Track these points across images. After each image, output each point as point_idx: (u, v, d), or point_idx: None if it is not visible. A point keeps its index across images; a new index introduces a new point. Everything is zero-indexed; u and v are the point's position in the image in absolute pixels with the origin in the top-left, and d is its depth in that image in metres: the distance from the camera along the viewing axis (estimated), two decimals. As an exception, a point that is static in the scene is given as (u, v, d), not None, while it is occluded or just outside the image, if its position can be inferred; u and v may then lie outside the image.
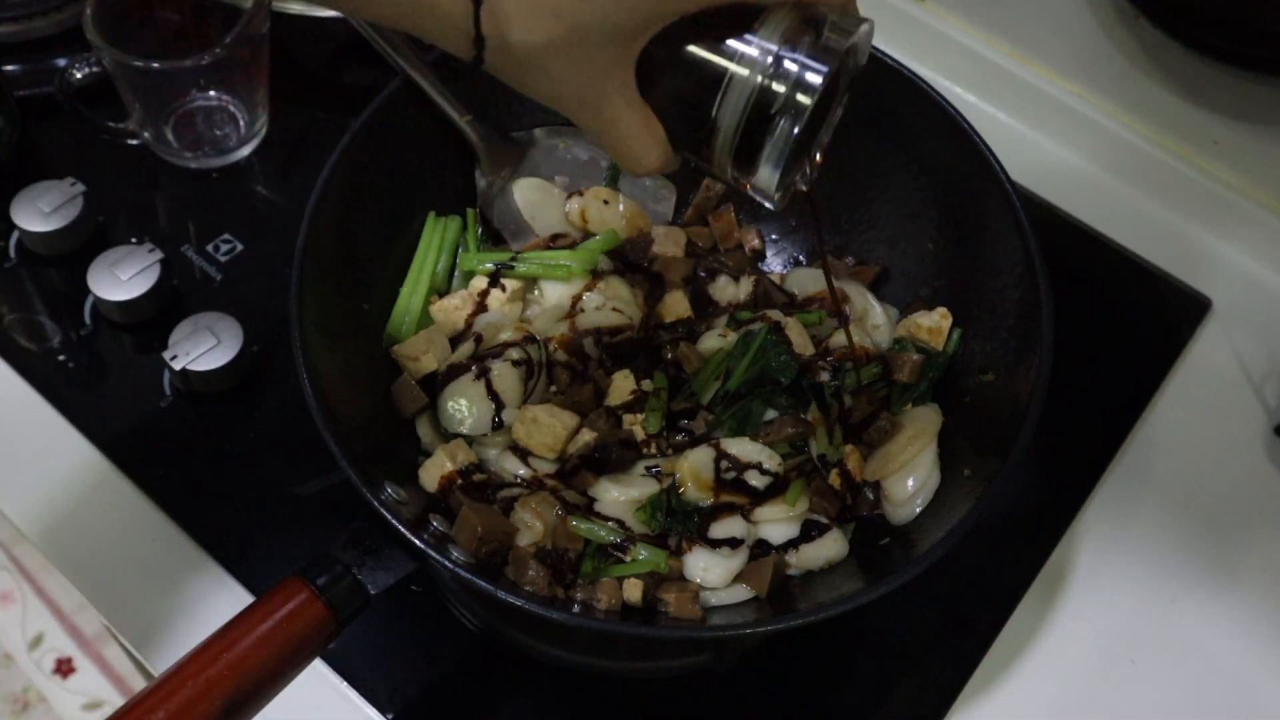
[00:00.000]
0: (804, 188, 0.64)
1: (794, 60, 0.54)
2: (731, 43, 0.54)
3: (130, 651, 0.93)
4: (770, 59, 0.54)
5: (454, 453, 0.72)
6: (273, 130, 0.96)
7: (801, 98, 0.54)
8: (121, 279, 0.83)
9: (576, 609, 0.68)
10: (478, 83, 0.56)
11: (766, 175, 0.57)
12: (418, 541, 0.60)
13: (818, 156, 0.63)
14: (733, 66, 0.54)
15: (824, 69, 0.54)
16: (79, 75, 0.90)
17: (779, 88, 0.54)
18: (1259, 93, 0.91)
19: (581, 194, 0.84)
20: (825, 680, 0.76)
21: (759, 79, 0.54)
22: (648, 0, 0.51)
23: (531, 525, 0.70)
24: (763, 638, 0.76)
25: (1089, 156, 1.03)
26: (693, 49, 0.55)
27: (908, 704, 0.76)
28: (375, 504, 0.61)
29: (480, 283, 0.80)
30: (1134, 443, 0.88)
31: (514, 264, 0.80)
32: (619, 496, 0.72)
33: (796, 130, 0.54)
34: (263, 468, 0.80)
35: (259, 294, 0.87)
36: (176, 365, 0.80)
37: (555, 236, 0.83)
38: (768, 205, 0.60)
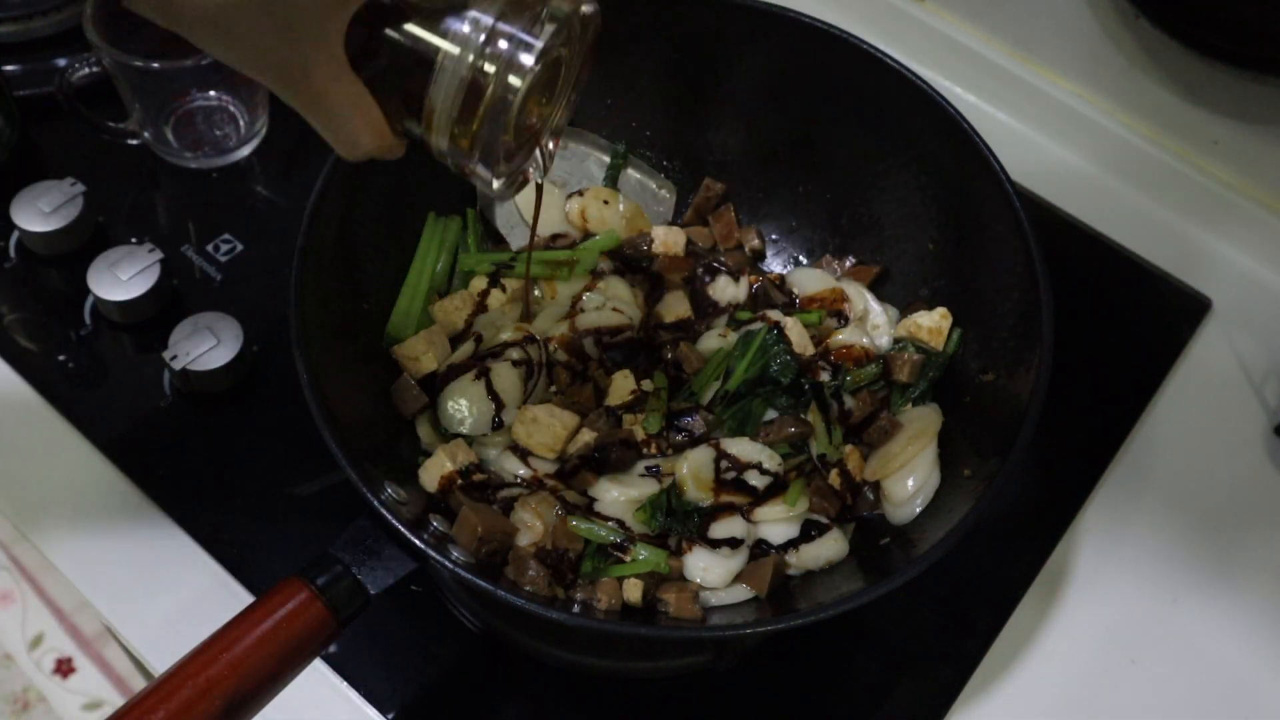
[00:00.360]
0: (537, 178, 0.60)
1: (506, 38, 0.50)
2: (443, 18, 0.51)
3: (130, 651, 0.93)
4: (482, 37, 0.50)
5: (454, 453, 0.72)
6: (273, 130, 0.96)
7: (513, 79, 0.51)
8: (121, 279, 0.83)
9: (576, 609, 0.68)
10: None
11: (484, 160, 0.54)
12: (418, 541, 0.60)
13: (550, 145, 0.59)
14: (442, 43, 0.51)
15: (537, 45, 0.51)
16: (79, 75, 0.90)
17: (489, 68, 0.50)
18: (1259, 93, 0.91)
19: (581, 194, 0.84)
20: (825, 680, 0.76)
21: (469, 58, 0.50)
22: None
23: (531, 525, 0.70)
24: (763, 638, 0.76)
25: (1089, 156, 1.03)
26: (403, 23, 0.51)
27: (908, 704, 0.76)
28: (375, 504, 0.61)
29: (480, 283, 0.80)
30: (1134, 443, 0.88)
31: (514, 264, 0.80)
32: (619, 496, 0.72)
33: (508, 112, 0.52)
34: (263, 468, 0.80)
35: (259, 294, 0.87)
36: (176, 365, 0.80)
37: (555, 236, 0.83)
38: (490, 195, 0.57)
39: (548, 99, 0.57)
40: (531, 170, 0.60)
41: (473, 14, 0.50)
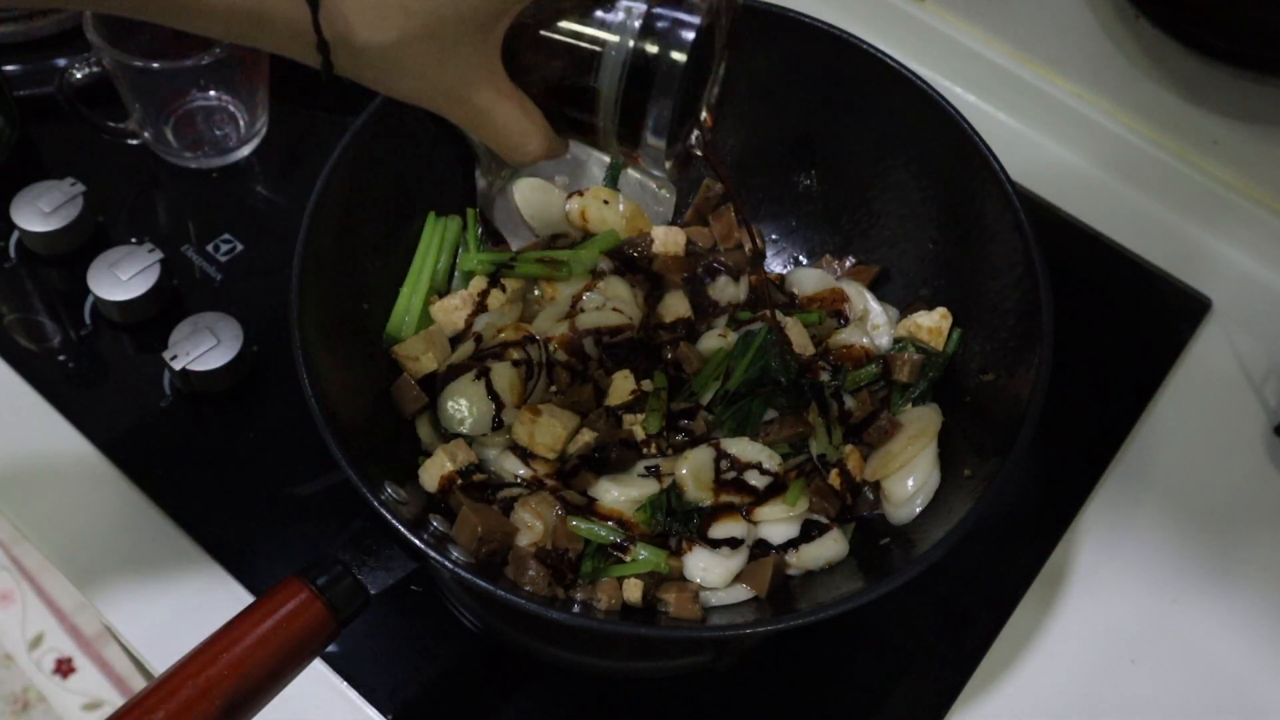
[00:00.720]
0: (698, 151, 0.63)
1: (662, 20, 0.53)
2: (595, 11, 0.54)
3: (130, 651, 0.93)
4: (638, 22, 0.53)
5: (454, 453, 0.72)
6: (273, 130, 0.96)
7: (675, 55, 0.53)
8: (121, 279, 0.83)
9: (576, 609, 0.68)
10: (338, 89, 0.56)
11: (653, 143, 0.56)
12: (418, 541, 0.60)
13: (707, 118, 0.62)
14: (601, 34, 0.53)
15: (694, 21, 0.53)
16: (79, 75, 0.90)
17: (651, 49, 0.53)
18: (1259, 93, 0.91)
19: (581, 194, 0.84)
20: (825, 680, 0.76)
21: (630, 43, 0.53)
22: None
23: (531, 525, 0.70)
24: (763, 638, 0.76)
25: (1089, 156, 1.03)
26: (557, 24, 0.54)
27: (908, 704, 0.76)
28: (375, 504, 0.61)
29: (480, 283, 0.80)
30: (1134, 443, 0.88)
31: (514, 264, 0.80)
32: (619, 496, 0.72)
33: (675, 91, 0.54)
34: (263, 468, 0.80)
35: (259, 294, 0.87)
36: (176, 365, 0.80)
37: (555, 236, 0.83)
38: (659, 174, 0.60)
39: (701, 76, 0.60)
40: (695, 147, 0.62)
41: (624, 3, 0.53)
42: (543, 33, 0.54)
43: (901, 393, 0.79)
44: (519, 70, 0.55)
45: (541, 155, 0.58)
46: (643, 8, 0.53)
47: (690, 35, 0.53)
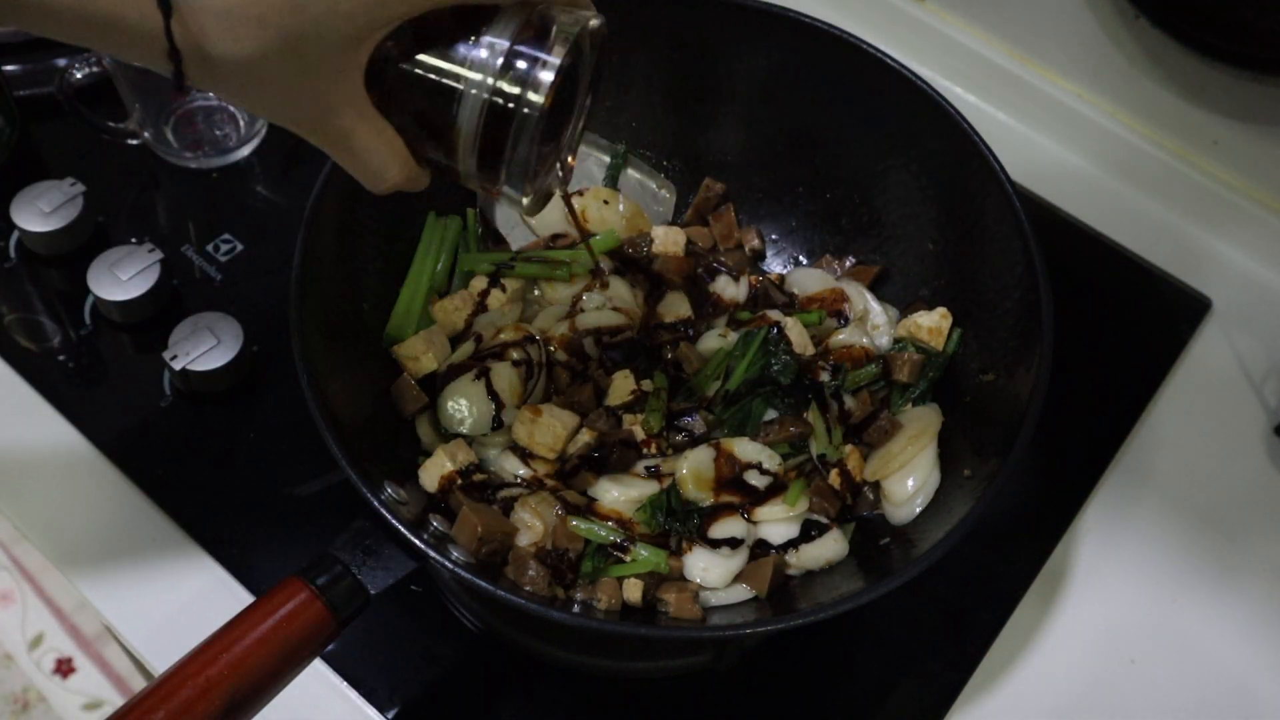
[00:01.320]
0: (559, 191, 0.62)
1: (524, 59, 0.53)
2: (460, 47, 0.53)
3: (130, 651, 0.93)
4: (500, 60, 0.52)
5: (454, 453, 0.72)
6: (272, 130, 0.96)
7: (534, 97, 0.53)
8: (121, 279, 0.83)
9: (576, 609, 0.68)
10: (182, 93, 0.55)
11: (511, 180, 0.56)
12: (418, 541, 0.60)
13: (569, 158, 0.61)
14: (462, 70, 0.53)
15: (555, 62, 0.53)
16: (79, 75, 0.90)
17: (511, 89, 0.53)
18: (1259, 93, 0.91)
19: (581, 194, 0.84)
20: (825, 680, 0.76)
21: (490, 81, 0.53)
22: (364, 5, 0.49)
23: (531, 525, 0.70)
24: (763, 638, 0.76)
25: (1089, 156, 1.03)
26: (421, 55, 0.53)
27: (908, 704, 0.76)
28: (375, 504, 0.61)
29: (480, 283, 0.80)
30: (1134, 443, 0.88)
31: (514, 264, 0.80)
32: (619, 496, 0.72)
33: (533, 131, 0.54)
34: (263, 468, 0.80)
35: (259, 294, 0.87)
36: (176, 365, 0.80)
37: (555, 236, 0.83)
38: (520, 211, 0.60)
39: (564, 115, 0.59)
40: (554, 184, 0.62)
41: (488, 39, 0.53)
42: (406, 59, 0.53)
43: (901, 393, 0.79)
44: (381, 97, 0.53)
45: (400, 184, 0.56)
46: (505, 45, 0.52)
47: (550, 76, 0.53)
